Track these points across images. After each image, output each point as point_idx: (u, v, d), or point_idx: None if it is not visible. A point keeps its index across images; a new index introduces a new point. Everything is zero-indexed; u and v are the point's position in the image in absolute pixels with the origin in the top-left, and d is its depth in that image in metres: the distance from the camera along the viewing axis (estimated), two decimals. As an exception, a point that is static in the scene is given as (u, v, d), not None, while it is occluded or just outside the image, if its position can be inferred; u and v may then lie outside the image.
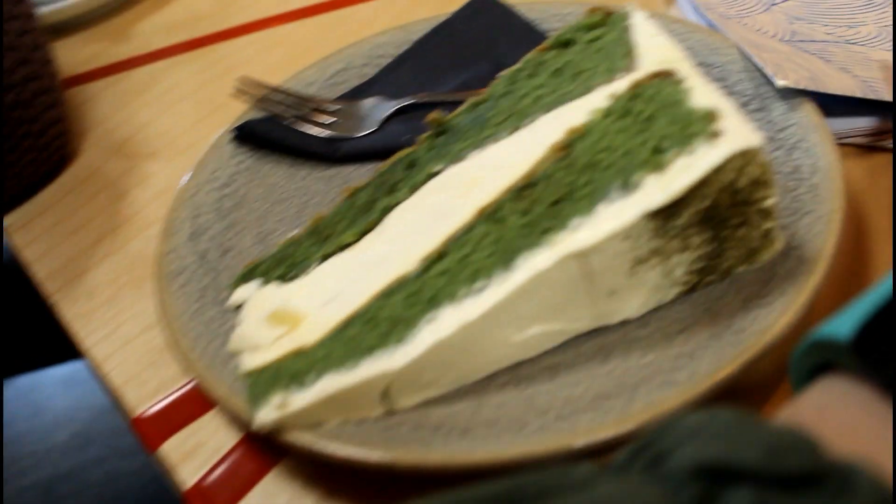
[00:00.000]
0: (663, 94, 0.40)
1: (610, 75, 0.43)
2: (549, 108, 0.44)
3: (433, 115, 0.48)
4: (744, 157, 0.37)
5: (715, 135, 0.36)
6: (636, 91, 0.41)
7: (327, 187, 0.55)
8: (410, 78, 0.61)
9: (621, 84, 0.42)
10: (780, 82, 0.49)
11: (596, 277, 0.38)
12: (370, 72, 0.62)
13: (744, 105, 0.52)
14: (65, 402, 0.99)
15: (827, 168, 0.45)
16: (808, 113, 0.49)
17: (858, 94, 0.52)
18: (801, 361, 0.29)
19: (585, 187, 0.38)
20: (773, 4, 0.63)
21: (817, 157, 0.46)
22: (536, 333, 0.40)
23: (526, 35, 0.60)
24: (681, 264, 0.40)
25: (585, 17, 0.47)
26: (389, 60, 0.63)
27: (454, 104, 0.54)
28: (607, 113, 0.41)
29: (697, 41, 0.57)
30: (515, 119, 0.45)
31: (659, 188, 0.36)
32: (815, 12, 0.62)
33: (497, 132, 0.45)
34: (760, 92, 0.52)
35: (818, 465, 0.22)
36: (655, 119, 0.39)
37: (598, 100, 0.42)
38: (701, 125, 0.37)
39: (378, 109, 0.58)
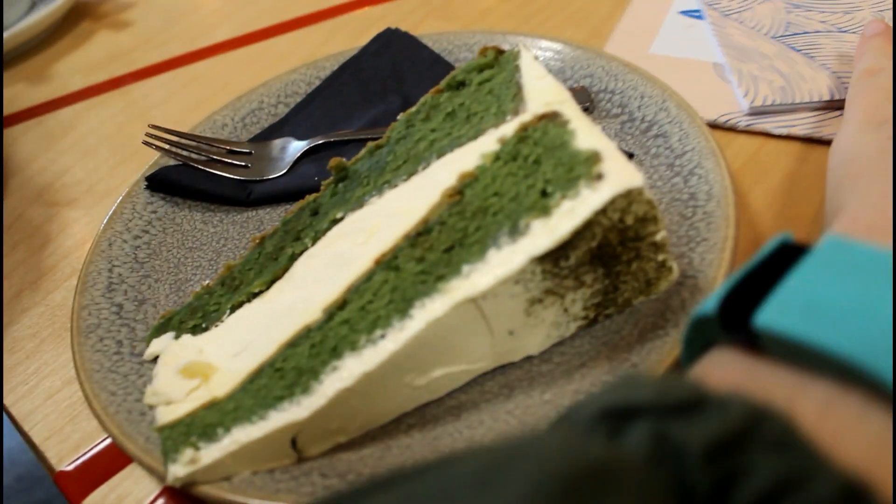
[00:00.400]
0: (549, 136, 0.41)
1: (499, 118, 0.44)
2: (442, 152, 0.45)
3: (334, 161, 0.48)
4: (627, 198, 0.38)
5: (598, 177, 0.37)
6: (524, 134, 0.42)
7: (241, 232, 0.56)
8: (321, 116, 0.61)
9: (510, 127, 0.43)
10: (748, 104, 0.56)
11: (493, 319, 0.39)
12: (282, 111, 0.63)
13: (644, 131, 0.53)
14: (7, 444, 0.98)
15: (721, 195, 0.46)
16: (705, 139, 0.50)
17: (827, 96, 0.56)
18: (688, 347, 0.33)
19: (476, 233, 0.39)
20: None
21: (712, 183, 0.47)
22: (440, 376, 0.40)
23: (433, 67, 0.61)
24: (577, 301, 0.41)
25: (477, 58, 0.48)
26: (301, 98, 0.63)
27: (363, 142, 0.55)
28: (497, 157, 0.42)
29: (599, 67, 0.58)
30: (411, 164, 0.46)
31: (545, 233, 0.37)
32: (815, -1, 0.66)
33: (394, 178, 0.46)
34: (659, 118, 0.53)
35: (700, 395, 0.26)
36: (542, 162, 0.40)
37: (488, 143, 0.43)
38: (584, 168, 0.38)
39: (289, 150, 0.59)
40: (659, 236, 0.40)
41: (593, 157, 0.38)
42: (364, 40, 0.67)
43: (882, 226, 0.34)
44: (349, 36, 0.79)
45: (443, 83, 0.48)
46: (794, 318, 0.27)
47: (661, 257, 0.41)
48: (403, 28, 0.78)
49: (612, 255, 0.40)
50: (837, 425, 0.25)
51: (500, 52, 0.48)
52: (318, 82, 0.64)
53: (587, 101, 0.56)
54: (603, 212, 0.37)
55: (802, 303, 0.27)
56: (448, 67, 0.61)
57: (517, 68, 0.46)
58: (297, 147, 0.59)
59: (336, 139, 0.58)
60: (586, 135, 0.40)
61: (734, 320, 0.29)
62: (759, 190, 0.53)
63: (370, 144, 0.49)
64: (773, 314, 0.28)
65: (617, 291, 0.42)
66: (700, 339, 0.32)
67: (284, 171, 0.58)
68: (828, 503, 0.22)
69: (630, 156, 0.52)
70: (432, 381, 0.40)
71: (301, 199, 0.51)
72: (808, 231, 0.50)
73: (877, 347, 0.25)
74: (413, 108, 0.49)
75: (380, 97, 0.61)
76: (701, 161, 0.49)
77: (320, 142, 0.59)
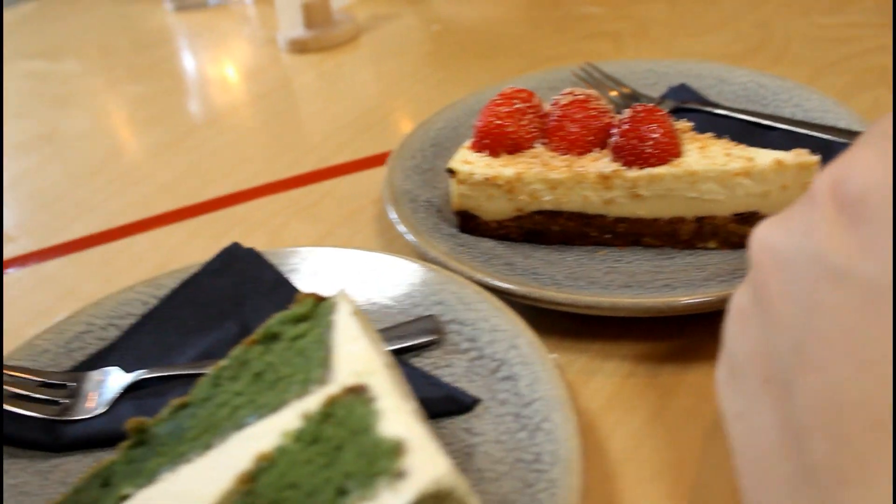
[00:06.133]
0: (354, 416, 0.36)
1: (306, 386, 0.39)
2: (244, 423, 0.39)
3: (133, 422, 0.42)
4: (436, 496, 0.32)
5: (400, 475, 0.32)
6: (328, 410, 0.37)
7: (43, 485, 0.48)
8: (154, 343, 0.56)
9: (315, 399, 0.38)
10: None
11: None
12: (113, 334, 0.57)
13: (493, 371, 0.49)
14: None
15: (567, 458, 0.41)
16: (555, 386, 0.45)
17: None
18: None
19: (263, 537, 0.33)
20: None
21: (559, 442, 0.42)
22: None
23: (276, 290, 0.57)
24: None
25: (294, 307, 0.44)
26: (135, 321, 0.57)
27: (192, 377, 0.49)
28: (298, 437, 0.37)
29: (452, 294, 0.54)
30: (210, 434, 0.40)
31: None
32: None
33: (191, 449, 0.40)
34: (509, 357, 0.49)
35: None
36: (344, 448, 0.35)
37: (291, 418, 0.38)
38: (386, 461, 0.33)
39: (110, 385, 0.53)
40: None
41: (397, 449, 0.33)
42: (227, 240, 0.62)
43: None
44: (213, 236, 0.74)
45: (257, 334, 0.44)
46: None
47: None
48: (267, 229, 0.74)
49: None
50: None
51: (319, 299, 0.44)
52: (155, 301, 0.58)
53: (435, 332, 0.52)
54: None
55: None
56: (292, 290, 0.56)
57: (331, 324, 0.41)
58: (119, 382, 0.53)
59: (164, 374, 0.52)
60: (393, 417, 0.35)
61: None
62: (622, 433, 0.49)
63: (173, 403, 0.43)
64: None
65: None
66: None
67: (103, 409, 0.52)
68: None
69: (474, 402, 0.47)
70: None
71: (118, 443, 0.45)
72: (677, 487, 0.45)
73: None
74: (223, 362, 0.43)
75: (217, 323, 0.56)
76: (549, 413, 0.44)
77: (146, 375, 0.53)
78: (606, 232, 0.60)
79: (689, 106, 0.76)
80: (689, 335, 0.54)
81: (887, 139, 0.31)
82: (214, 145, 0.93)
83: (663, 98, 0.78)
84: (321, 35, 1.15)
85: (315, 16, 1.15)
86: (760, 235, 0.34)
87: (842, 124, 0.70)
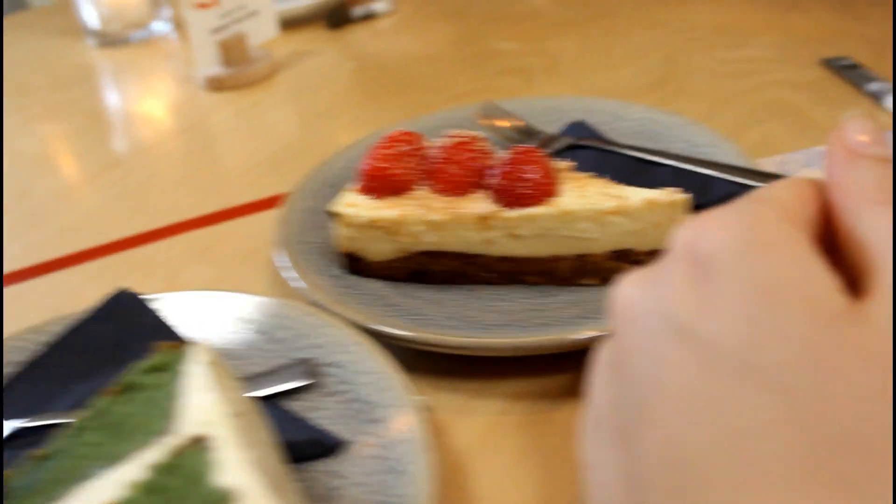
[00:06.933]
0: (194, 466, 0.36)
1: (156, 437, 0.39)
2: (96, 473, 0.40)
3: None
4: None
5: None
6: (173, 461, 0.37)
7: None
8: (34, 391, 0.55)
9: (162, 450, 0.38)
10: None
11: None
12: (-8, 384, 0.57)
13: (363, 414, 0.50)
14: None
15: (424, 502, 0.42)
16: (420, 427, 0.46)
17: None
18: None
19: None
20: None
21: (418, 485, 0.43)
22: None
23: (154, 335, 0.57)
24: None
25: (153, 357, 0.44)
26: (16, 369, 0.57)
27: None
28: (143, 487, 0.37)
29: (329, 337, 0.55)
30: (63, 486, 0.40)
31: None
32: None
33: (44, 502, 0.40)
34: (379, 399, 0.50)
35: None
36: (184, 499, 0.35)
37: (138, 469, 0.38)
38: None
39: (-18, 437, 0.52)
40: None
41: (227, 498, 0.34)
42: (127, 284, 0.61)
43: None
44: (112, 279, 0.74)
45: (117, 384, 0.44)
46: None
47: None
48: (165, 272, 0.74)
49: None
50: None
51: (177, 347, 0.44)
52: (41, 349, 0.58)
53: (311, 375, 0.52)
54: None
55: None
56: (171, 335, 0.56)
57: (185, 374, 0.42)
58: (-10, 433, 0.52)
59: (40, 424, 0.52)
60: (230, 467, 0.35)
61: None
62: (491, 472, 0.49)
63: (33, 454, 0.43)
64: None
65: None
66: None
67: (-24, 461, 0.51)
68: None
69: (340, 445, 0.48)
70: None
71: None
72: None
73: None
74: (85, 412, 0.43)
75: (97, 370, 0.56)
76: (413, 456, 0.45)
77: (24, 426, 0.52)
78: (488, 271, 0.61)
79: (584, 143, 0.77)
80: (566, 371, 0.56)
81: (758, 202, 0.32)
82: (125, 185, 0.93)
83: (559, 135, 0.80)
84: (238, 72, 1.16)
85: (232, 53, 1.16)
86: (620, 291, 0.35)
87: (727, 160, 0.72)
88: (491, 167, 0.61)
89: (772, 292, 0.28)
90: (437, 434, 0.52)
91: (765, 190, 0.34)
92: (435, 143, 0.63)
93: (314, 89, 1.16)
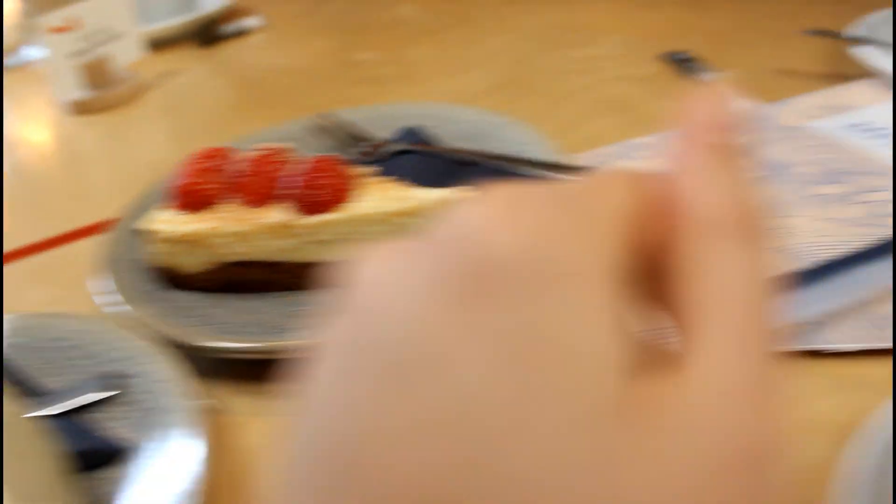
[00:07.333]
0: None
1: None
2: None
3: None
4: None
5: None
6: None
7: None
8: None
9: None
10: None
11: None
12: None
13: (154, 420, 0.52)
14: None
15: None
16: (204, 429, 0.49)
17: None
18: None
19: None
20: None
21: (195, 484, 0.46)
22: None
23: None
24: None
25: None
26: None
27: None
28: None
29: (134, 350, 0.57)
30: None
31: None
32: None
33: None
34: (170, 404, 0.52)
35: None
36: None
37: None
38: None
39: None
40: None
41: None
42: None
43: None
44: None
45: None
46: None
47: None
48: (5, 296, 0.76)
49: None
50: None
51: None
52: None
53: (112, 388, 0.55)
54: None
55: None
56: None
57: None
58: None
59: None
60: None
61: None
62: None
63: None
64: None
65: None
66: None
67: None
68: None
69: (128, 451, 0.50)
70: None
71: None
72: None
73: None
74: None
75: None
76: (196, 456, 0.48)
77: None
78: (297, 277, 0.64)
79: (410, 148, 0.81)
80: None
81: (570, 199, 0.23)
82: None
83: (388, 141, 0.83)
84: (103, 95, 1.17)
85: (96, 76, 1.17)
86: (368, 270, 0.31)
87: (546, 158, 0.76)
88: (293, 176, 0.63)
89: (537, 355, 0.19)
90: (228, 434, 0.55)
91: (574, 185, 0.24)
92: (243, 157, 0.66)
93: (183, 108, 1.17)
